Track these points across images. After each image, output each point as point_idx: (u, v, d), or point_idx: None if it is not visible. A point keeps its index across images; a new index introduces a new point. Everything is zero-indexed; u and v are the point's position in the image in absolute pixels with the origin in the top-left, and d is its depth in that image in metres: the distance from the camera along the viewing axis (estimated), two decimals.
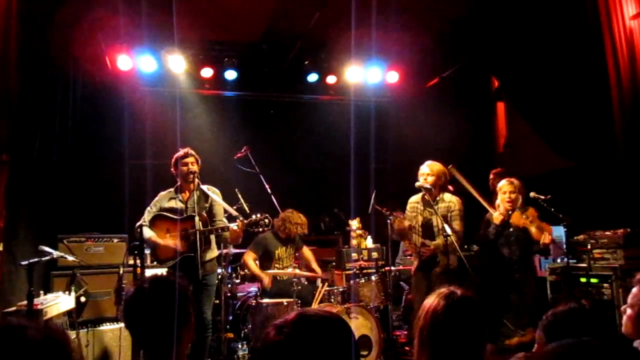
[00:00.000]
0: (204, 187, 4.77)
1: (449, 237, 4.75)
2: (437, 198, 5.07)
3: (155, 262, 4.86)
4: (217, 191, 4.86)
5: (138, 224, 4.68)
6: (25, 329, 1.27)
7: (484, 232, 5.15)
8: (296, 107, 8.72)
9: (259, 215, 4.64)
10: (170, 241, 4.58)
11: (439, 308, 1.89)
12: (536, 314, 4.87)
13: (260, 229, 4.73)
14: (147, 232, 4.57)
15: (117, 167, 6.86)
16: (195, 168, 4.69)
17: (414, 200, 5.24)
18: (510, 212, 4.97)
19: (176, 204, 4.71)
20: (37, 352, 1.25)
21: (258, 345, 1.39)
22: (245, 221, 4.60)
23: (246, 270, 6.34)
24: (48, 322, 1.43)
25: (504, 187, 5.04)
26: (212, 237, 4.72)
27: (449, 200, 5.03)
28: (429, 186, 4.97)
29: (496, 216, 4.97)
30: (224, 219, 4.82)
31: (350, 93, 8.17)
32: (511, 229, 4.97)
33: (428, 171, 5.08)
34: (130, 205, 4.80)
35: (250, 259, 5.83)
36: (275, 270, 5.54)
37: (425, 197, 5.11)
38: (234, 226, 4.56)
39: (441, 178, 5.06)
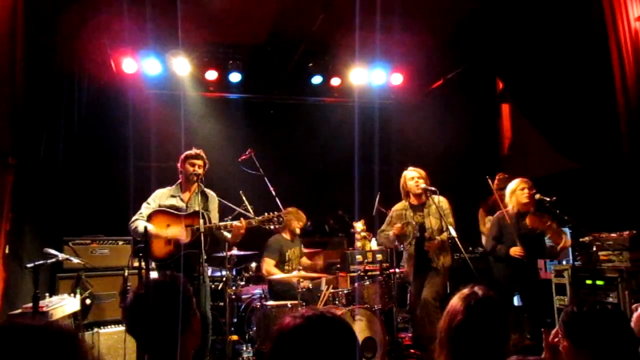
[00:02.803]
0: (205, 190, 4.78)
1: (453, 239, 4.75)
2: (426, 201, 5.08)
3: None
4: (214, 194, 4.89)
5: (133, 218, 4.61)
6: (34, 330, 1.27)
7: (494, 240, 4.97)
8: (300, 109, 8.73)
9: (272, 213, 4.69)
10: (175, 230, 4.48)
11: (460, 309, 1.87)
12: (540, 317, 4.84)
13: (272, 227, 4.78)
14: (146, 225, 4.43)
15: (122, 170, 6.87)
16: (200, 171, 4.72)
17: (400, 208, 5.21)
18: (524, 212, 4.83)
19: (177, 202, 4.71)
20: (46, 352, 1.25)
21: (270, 340, 1.42)
22: (259, 217, 4.67)
23: (251, 273, 6.35)
24: (58, 322, 1.42)
25: (521, 184, 4.89)
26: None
27: (438, 200, 5.02)
28: (434, 189, 4.98)
29: (516, 252, 4.73)
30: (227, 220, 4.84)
31: (355, 95, 8.18)
32: (524, 232, 4.81)
33: (418, 174, 5.10)
34: (135, 208, 4.80)
35: (272, 266, 5.82)
36: (281, 275, 5.54)
37: (412, 202, 5.12)
38: (237, 223, 4.59)
39: (427, 180, 5.08)
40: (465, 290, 1.93)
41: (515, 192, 4.89)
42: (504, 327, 1.89)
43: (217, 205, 4.89)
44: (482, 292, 1.91)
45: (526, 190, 4.83)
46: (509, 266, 4.83)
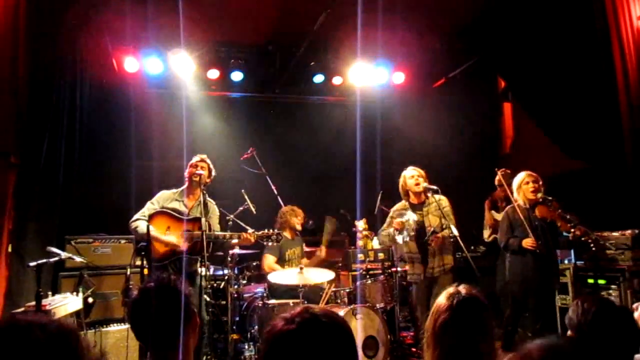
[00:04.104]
0: (208, 200, 4.86)
1: (455, 237, 4.75)
2: (425, 200, 5.07)
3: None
4: (215, 205, 4.99)
5: (134, 217, 4.67)
6: (32, 328, 1.27)
7: (506, 236, 4.91)
8: (302, 108, 8.72)
9: (271, 230, 4.89)
10: (172, 238, 4.54)
11: (443, 308, 1.90)
12: (544, 317, 4.79)
13: (270, 243, 4.98)
14: (146, 226, 4.49)
15: (124, 169, 6.88)
16: (202, 172, 4.75)
17: (400, 207, 5.20)
18: (532, 205, 4.80)
19: (180, 206, 4.75)
20: (45, 351, 1.25)
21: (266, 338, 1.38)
22: (258, 233, 4.79)
23: (252, 271, 6.36)
24: (59, 320, 1.40)
25: (526, 178, 4.86)
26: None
27: (438, 198, 5.01)
28: (435, 187, 4.97)
29: (528, 244, 4.66)
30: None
31: (356, 94, 8.16)
32: (536, 223, 4.75)
33: (418, 173, 5.09)
34: (137, 207, 4.82)
35: (273, 262, 5.88)
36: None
37: (412, 201, 5.11)
38: (245, 235, 4.74)
39: (427, 180, 5.10)
40: (451, 290, 1.96)
41: (522, 187, 4.88)
42: (487, 326, 1.91)
43: (218, 216, 4.99)
44: (465, 291, 1.93)
45: (531, 184, 4.83)
46: (524, 259, 4.73)
